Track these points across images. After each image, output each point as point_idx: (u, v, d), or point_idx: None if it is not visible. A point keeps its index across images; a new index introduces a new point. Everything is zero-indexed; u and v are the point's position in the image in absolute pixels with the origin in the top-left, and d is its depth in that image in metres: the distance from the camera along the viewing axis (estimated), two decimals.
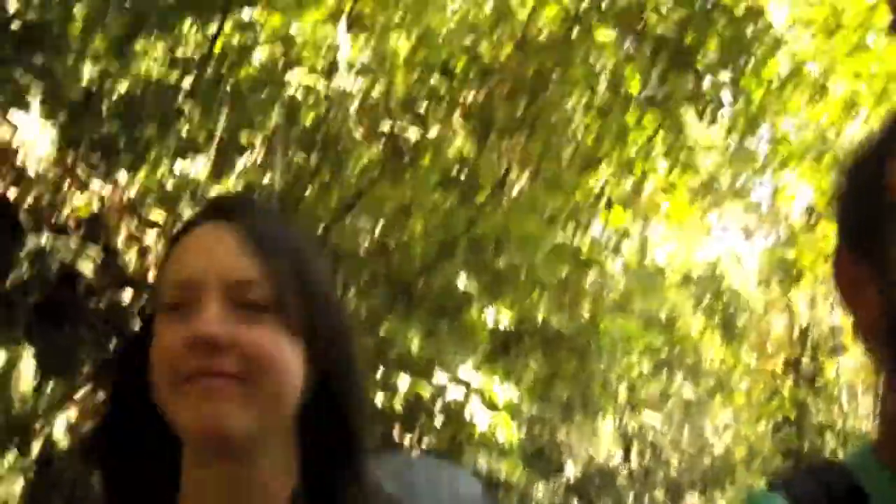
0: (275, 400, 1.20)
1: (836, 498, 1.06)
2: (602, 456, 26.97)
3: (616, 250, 15.06)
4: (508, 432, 11.52)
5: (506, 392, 11.84)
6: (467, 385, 11.37)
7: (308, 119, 8.33)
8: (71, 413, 6.76)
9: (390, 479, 1.26)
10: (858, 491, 1.07)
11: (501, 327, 11.70)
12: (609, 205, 11.62)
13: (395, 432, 11.43)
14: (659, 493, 34.69)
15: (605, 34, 10.54)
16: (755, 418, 24.81)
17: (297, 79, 7.68)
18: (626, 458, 31.56)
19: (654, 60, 9.63)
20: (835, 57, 10.17)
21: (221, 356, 1.17)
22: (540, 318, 12.62)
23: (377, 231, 10.20)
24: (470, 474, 1.44)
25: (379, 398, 10.73)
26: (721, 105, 10.08)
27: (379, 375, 11.05)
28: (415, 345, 11.26)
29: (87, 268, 6.74)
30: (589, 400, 20.78)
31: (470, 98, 10.02)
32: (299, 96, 7.79)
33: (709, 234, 23.03)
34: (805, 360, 19.69)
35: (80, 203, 7.18)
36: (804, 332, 19.75)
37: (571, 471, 23.77)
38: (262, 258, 1.22)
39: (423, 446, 11.86)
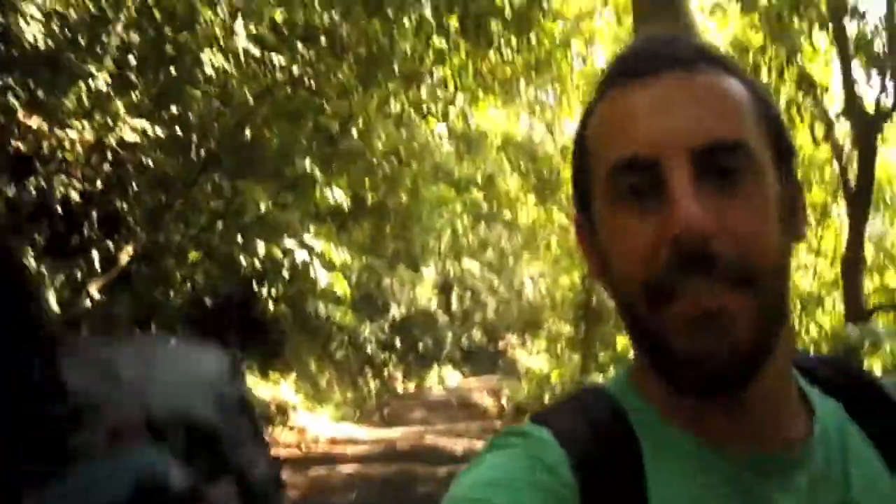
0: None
1: (598, 427, 1.11)
2: (424, 300, 30.55)
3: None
4: (343, 287, 15.50)
5: (341, 254, 15.80)
6: (310, 249, 15.14)
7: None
8: None
9: (128, 363, 1.26)
10: (620, 413, 1.13)
11: (340, 203, 15.39)
12: (427, 113, 15.37)
13: (255, 287, 15.07)
14: (477, 334, 38.73)
15: None
16: (560, 273, 27.65)
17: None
18: (448, 302, 35.19)
19: None
20: None
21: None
22: (369, 196, 16.51)
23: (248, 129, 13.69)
24: (218, 352, 1.37)
25: (242, 260, 14.34)
26: None
27: (240, 240, 14.61)
28: (264, 209, 14.83)
29: None
30: (411, 253, 24.67)
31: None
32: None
33: (529, 108, 25.69)
34: None
35: None
36: None
37: (396, 312, 27.41)
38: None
39: (275, 296, 15.58)
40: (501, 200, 27.24)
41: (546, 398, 18.46)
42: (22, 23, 8.48)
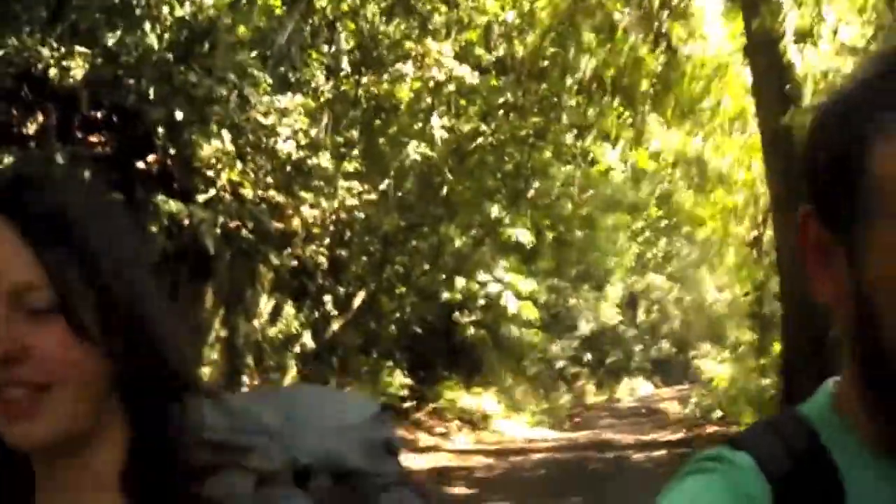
0: (74, 403, 1.21)
1: (799, 457, 1.07)
2: (609, 316, 33.48)
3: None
4: (531, 313, 18.85)
5: (528, 284, 19.13)
6: (501, 281, 18.51)
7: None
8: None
9: (272, 411, 1.35)
10: (819, 441, 1.08)
11: (525, 242, 18.66)
12: (592, 162, 18.78)
13: (456, 315, 18.51)
14: (666, 345, 40.80)
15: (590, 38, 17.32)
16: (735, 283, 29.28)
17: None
18: (634, 316, 37.38)
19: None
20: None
21: (16, 366, 1.18)
22: (550, 235, 19.85)
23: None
24: (364, 399, 1.40)
25: (444, 294, 17.77)
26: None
27: (443, 277, 18.01)
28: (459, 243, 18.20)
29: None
30: (594, 274, 27.52)
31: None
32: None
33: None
34: (767, 235, 24.66)
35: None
36: (766, 211, 24.77)
37: (585, 329, 30.41)
38: (41, 257, 1.19)
39: (473, 322, 18.97)
40: (679, 216, 28.90)
41: (724, 403, 20.80)
42: (279, 141, 12.10)
